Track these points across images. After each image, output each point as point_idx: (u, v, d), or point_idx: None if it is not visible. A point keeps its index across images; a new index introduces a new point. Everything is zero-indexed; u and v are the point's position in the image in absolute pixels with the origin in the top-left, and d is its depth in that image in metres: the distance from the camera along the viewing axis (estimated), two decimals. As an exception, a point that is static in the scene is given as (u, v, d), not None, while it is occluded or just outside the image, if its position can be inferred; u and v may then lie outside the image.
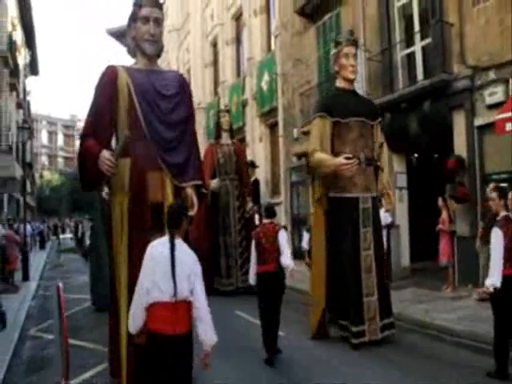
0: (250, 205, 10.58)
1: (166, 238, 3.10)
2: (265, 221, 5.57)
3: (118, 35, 48.74)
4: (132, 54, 3.95)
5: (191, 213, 3.33)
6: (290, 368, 5.26)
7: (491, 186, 5.04)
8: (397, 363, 5.29)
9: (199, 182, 3.87)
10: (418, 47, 10.18)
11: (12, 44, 21.60)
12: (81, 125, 74.16)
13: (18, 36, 25.33)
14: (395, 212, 10.87)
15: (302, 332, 6.48)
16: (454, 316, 6.86)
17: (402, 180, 11.25)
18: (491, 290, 4.36)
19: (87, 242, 16.69)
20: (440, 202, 9.30)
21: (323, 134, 5.67)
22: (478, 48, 8.89)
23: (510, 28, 8.30)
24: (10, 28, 22.23)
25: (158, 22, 3.90)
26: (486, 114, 8.89)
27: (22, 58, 27.77)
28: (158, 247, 3.11)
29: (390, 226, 10.35)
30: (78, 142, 63.40)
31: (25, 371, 5.66)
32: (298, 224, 14.58)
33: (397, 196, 11.14)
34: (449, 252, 9.06)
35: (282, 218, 14.90)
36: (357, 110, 5.92)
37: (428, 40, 9.85)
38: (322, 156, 5.57)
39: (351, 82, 6.07)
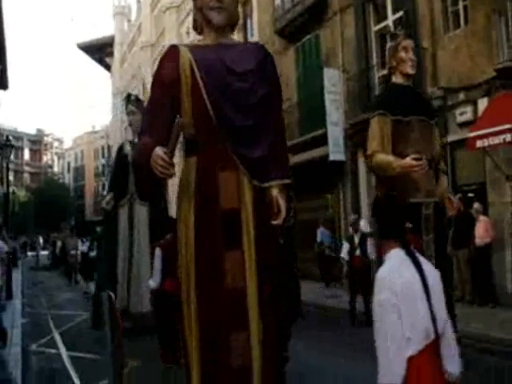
0: None
1: (398, 253, 2.32)
2: None
3: (89, 49, 48.41)
4: (199, 28, 3.15)
5: (277, 221, 2.64)
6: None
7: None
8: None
9: (287, 181, 2.90)
10: (393, 69, 10.88)
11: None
12: (47, 140, 73.62)
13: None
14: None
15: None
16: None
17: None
18: None
19: (71, 260, 16.75)
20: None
21: (384, 134, 5.14)
22: (449, 71, 9.64)
23: (477, 54, 9.08)
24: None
25: None
26: (457, 131, 9.63)
27: (-8, 72, 27.49)
28: (402, 270, 2.26)
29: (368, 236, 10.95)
30: (44, 158, 61.85)
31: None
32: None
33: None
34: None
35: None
36: (417, 107, 5.42)
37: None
38: (385, 157, 5.07)
39: (409, 77, 5.53)
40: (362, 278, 8.42)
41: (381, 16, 11.72)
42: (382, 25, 11.42)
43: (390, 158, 5.11)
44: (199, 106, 2.80)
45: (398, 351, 2.16)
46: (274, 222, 2.67)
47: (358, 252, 8.67)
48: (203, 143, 2.82)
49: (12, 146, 16.23)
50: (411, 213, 5.02)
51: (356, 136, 11.60)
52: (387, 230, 2.44)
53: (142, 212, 7.90)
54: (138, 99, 8.66)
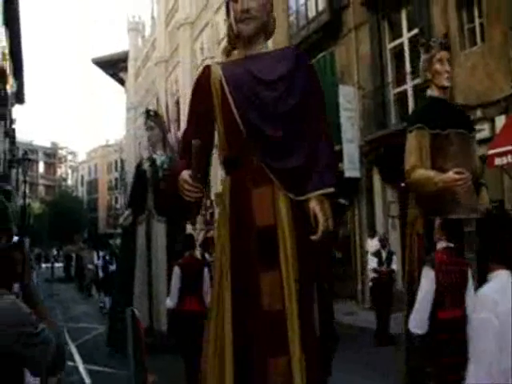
0: None
1: (504, 275, 2.13)
2: None
3: (103, 65, 49.10)
4: (233, 43, 3.02)
5: (315, 237, 2.42)
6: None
7: None
8: None
9: (329, 190, 2.61)
10: (409, 86, 10.95)
11: (2, 73, 21.98)
12: (62, 153, 74.35)
13: (8, 66, 25.67)
14: (389, 239, 11.42)
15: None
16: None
17: (394, 209, 11.89)
18: None
19: (89, 274, 16.83)
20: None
21: (423, 148, 4.99)
22: (466, 88, 9.65)
23: (494, 71, 9.11)
24: (0, 58, 22.64)
25: None
26: (474, 149, 9.62)
27: (10, 87, 28.04)
28: (507, 293, 2.06)
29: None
30: (58, 171, 62.33)
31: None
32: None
33: (390, 224, 11.76)
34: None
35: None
36: (455, 120, 5.28)
37: (419, 79, 10.59)
38: (425, 172, 4.86)
39: (445, 89, 5.40)
40: (384, 294, 8.42)
41: (396, 33, 11.81)
42: (397, 42, 11.50)
43: (431, 172, 4.93)
44: (229, 121, 2.70)
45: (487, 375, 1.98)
46: (313, 238, 2.44)
47: (384, 267, 8.67)
48: (236, 160, 2.70)
49: (29, 160, 16.45)
50: (452, 230, 4.86)
51: (371, 153, 11.64)
52: (495, 250, 2.26)
53: (159, 229, 7.84)
54: (156, 114, 8.70)
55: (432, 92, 5.34)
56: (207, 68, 2.91)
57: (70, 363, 7.31)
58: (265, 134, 2.65)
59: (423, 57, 5.38)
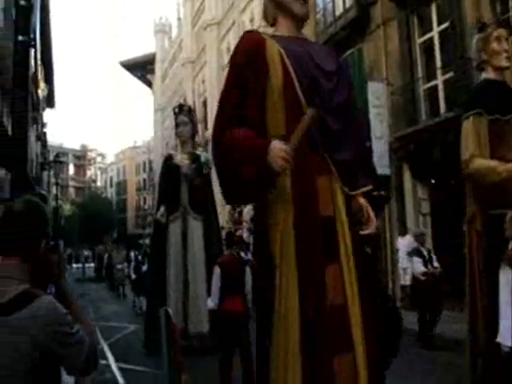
0: None
1: None
2: None
3: (131, 67, 49.66)
4: (271, 20, 2.87)
5: (367, 231, 2.45)
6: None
7: None
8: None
9: (370, 187, 2.64)
10: (440, 80, 10.72)
11: (35, 79, 22.55)
12: (91, 155, 75.73)
13: (39, 71, 26.26)
14: (421, 238, 11.22)
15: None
16: None
17: (426, 206, 11.67)
18: None
19: (118, 274, 17.03)
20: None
21: (481, 136, 4.54)
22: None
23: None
24: (33, 64, 23.21)
25: None
26: (509, 144, 9.34)
27: (41, 91, 28.68)
28: None
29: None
30: (88, 172, 63.45)
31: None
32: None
33: (421, 222, 11.54)
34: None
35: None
36: None
37: (450, 74, 10.38)
38: (486, 162, 4.45)
39: (502, 71, 4.87)
40: (431, 295, 7.97)
41: (425, 28, 11.58)
42: (427, 36, 11.28)
43: (493, 162, 4.49)
44: (292, 106, 2.49)
45: None
46: (364, 232, 2.45)
47: (430, 267, 8.22)
48: (298, 145, 2.47)
49: (60, 163, 16.76)
50: None
51: (401, 150, 11.45)
52: None
53: (196, 226, 7.50)
54: (190, 110, 8.29)
55: (487, 74, 4.84)
56: (255, 35, 2.67)
57: (102, 362, 7.40)
58: (327, 123, 2.55)
59: (477, 36, 4.90)
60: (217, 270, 5.39)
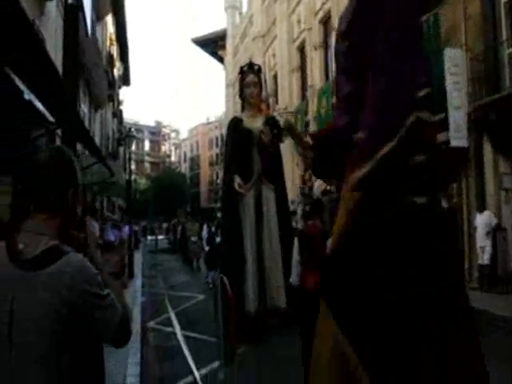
0: None
1: None
2: None
3: (202, 44, 50.08)
4: None
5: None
6: None
7: None
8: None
9: None
10: (526, 44, 9.81)
11: (110, 58, 23.27)
12: (165, 131, 77.90)
13: (115, 50, 27.07)
14: (501, 214, 10.48)
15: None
16: None
17: (508, 181, 10.85)
18: None
19: (192, 246, 17.34)
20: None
21: None
22: None
23: None
24: (108, 43, 23.92)
25: None
26: None
27: (117, 70, 29.63)
28: None
29: (495, 229, 10.04)
30: (163, 148, 65.45)
31: (156, 359, 6.13)
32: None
33: (502, 198, 10.77)
34: None
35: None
36: None
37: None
38: None
39: None
40: None
41: (512, -14, 10.60)
42: (514, -4, 10.31)
43: None
44: None
45: None
46: None
47: None
48: None
49: (133, 137, 17.24)
50: None
51: (481, 120, 10.65)
52: None
53: (270, 196, 7.01)
54: (260, 69, 7.65)
55: None
56: None
57: (168, 329, 7.62)
58: None
59: None
60: (296, 243, 4.86)
